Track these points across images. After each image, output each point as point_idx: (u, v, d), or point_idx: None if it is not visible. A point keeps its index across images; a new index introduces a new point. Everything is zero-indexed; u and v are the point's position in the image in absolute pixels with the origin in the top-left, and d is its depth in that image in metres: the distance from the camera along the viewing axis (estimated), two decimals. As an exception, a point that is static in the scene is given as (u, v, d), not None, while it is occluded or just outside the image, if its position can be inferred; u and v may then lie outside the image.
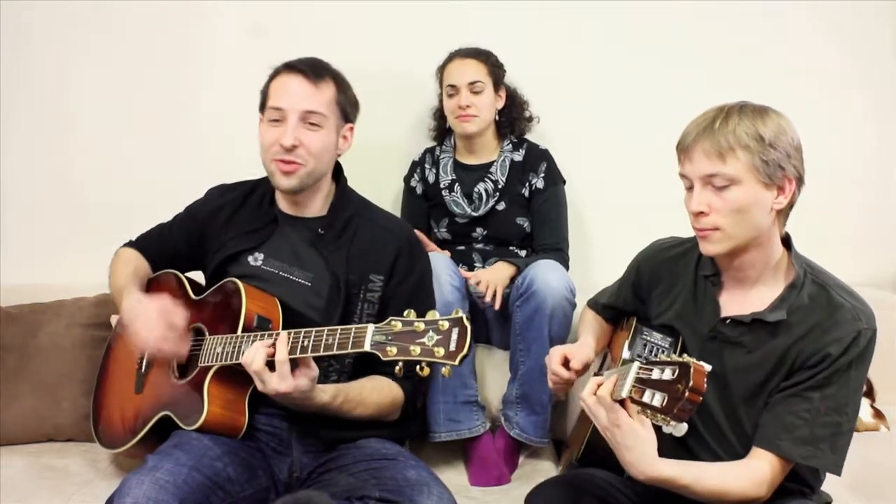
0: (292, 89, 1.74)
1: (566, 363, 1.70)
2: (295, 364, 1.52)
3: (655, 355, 1.57)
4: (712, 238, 1.45)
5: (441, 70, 2.38)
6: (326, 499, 1.50)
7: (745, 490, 1.40)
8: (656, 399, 1.23)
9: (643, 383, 1.27)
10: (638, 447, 1.33)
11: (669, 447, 1.47)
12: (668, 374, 1.23)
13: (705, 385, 1.20)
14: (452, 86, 2.32)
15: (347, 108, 1.81)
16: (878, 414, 2.29)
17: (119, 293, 1.83)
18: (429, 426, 2.10)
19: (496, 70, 2.36)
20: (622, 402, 1.33)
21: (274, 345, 1.52)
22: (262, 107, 1.79)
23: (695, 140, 1.42)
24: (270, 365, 1.52)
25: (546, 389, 2.10)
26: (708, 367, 1.22)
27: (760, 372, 1.46)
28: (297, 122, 1.72)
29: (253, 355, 1.52)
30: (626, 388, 1.29)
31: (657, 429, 1.36)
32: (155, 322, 1.66)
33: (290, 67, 1.77)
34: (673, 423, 1.23)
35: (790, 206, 1.45)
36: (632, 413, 1.33)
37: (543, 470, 2.11)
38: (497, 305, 2.15)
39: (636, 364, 1.30)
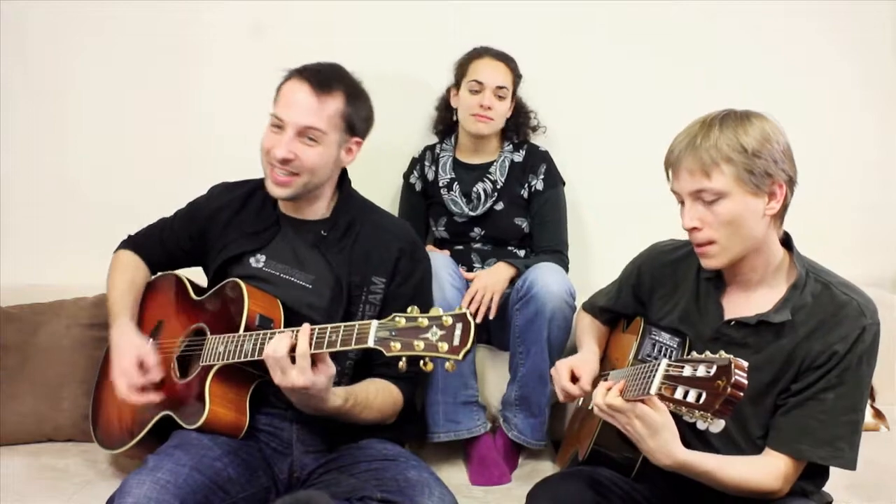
0: (295, 100, 1.72)
1: (573, 377, 1.70)
2: (313, 361, 1.51)
3: (666, 356, 1.58)
4: (709, 252, 1.46)
5: (466, 63, 2.34)
6: (327, 499, 1.50)
7: (764, 483, 1.42)
8: (691, 395, 1.25)
9: (674, 380, 1.28)
10: (660, 432, 1.35)
11: None
12: (702, 372, 1.24)
13: (747, 381, 1.21)
14: (479, 82, 2.29)
15: (355, 121, 1.78)
16: (878, 414, 2.29)
17: (112, 311, 1.85)
18: (428, 426, 2.10)
19: (517, 80, 2.36)
20: (644, 401, 1.34)
21: (296, 337, 1.50)
22: (273, 103, 1.78)
23: (678, 157, 1.43)
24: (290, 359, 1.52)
25: (545, 392, 2.10)
26: (745, 364, 1.23)
27: (767, 372, 1.47)
28: (294, 136, 1.71)
29: (276, 345, 1.50)
30: (655, 386, 1.30)
31: (684, 427, 1.37)
32: (130, 370, 1.70)
33: (301, 74, 1.74)
34: (711, 419, 1.24)
35: (784, 208, 1.46)
36: (650, 405, 1.34)
37: (544, 470, 2.10)
38: (492, 314, 2.15)
39: (664, 361, 1.31)
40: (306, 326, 1.51)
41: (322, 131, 1.72)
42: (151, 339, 1.84)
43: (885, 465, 2.03)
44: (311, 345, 1.49)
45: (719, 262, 1.47)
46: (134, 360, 1.71)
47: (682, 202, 1.48)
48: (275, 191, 1.76)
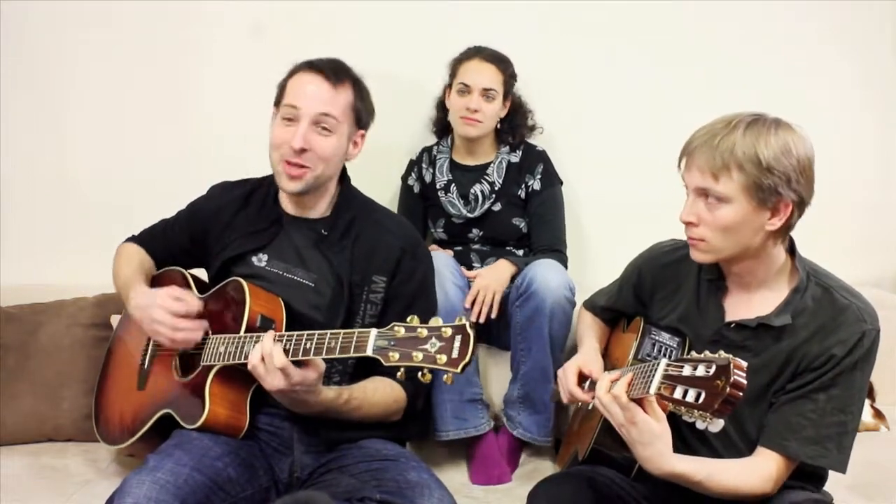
0: (310, 90, 1.72)
1: (582, 377, 1.70)
2: (301, 365, 1.51)
3: (665, 355, 1.58)
4: (699, 247, 1.47)
5: (457, 64, 2.35)
6: (327, 499, 1.50)
7: (754, 487, 1.42)
8: (690, 395, 1.25)
9: (674, 380, 1.28)
10: (654, 443, 1.35)
11: (674, 445, 1.48)
12: (702, 371, 1.24)
13: (746, 381, 1.21)
14: (466, 85, 2.29)
15: (363, 114, 1.79)
16: (878, 414, 2.29)
17: (125, 287, 1.83)
18: (435, 424, 2.10)
19: (510, 80, 2.34)
20: (640, 401, 1.34)
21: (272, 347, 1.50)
22: (278, 102, 1.78)
23: (695, 151, 1.42)
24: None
25: (548, 389, 2.10)
26: (745, 364, 1.22)
27: (765, 374, 1.47)
28: (309, 125, 1.71)
29: (259, 356, 1.50)
30: (655, 385, 1.29)
31: (683, 426, 1.37)
32: (167, 310, 1.67)
33: (311, 66, 1.75)
34: (711, 418, 1.24)
35: (788, 227, 1.44)
36: (649, 410, 1.34)
37: (545, 469, 2.11)
38: (494, 314, 2.15)
39: (664, 361, 1.31)
40: (270, 334, 1.52)
41: (337, 119, 1.73)
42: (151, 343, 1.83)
43: (885, 465, 2.03)
44: (293, 353, 1.49)
45: (707, 258, 1.48)
46: (165, 300, 1.68)
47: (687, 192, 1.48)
48: (288, 185, 1.75)
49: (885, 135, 2.62)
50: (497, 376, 2.25)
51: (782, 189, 1.38)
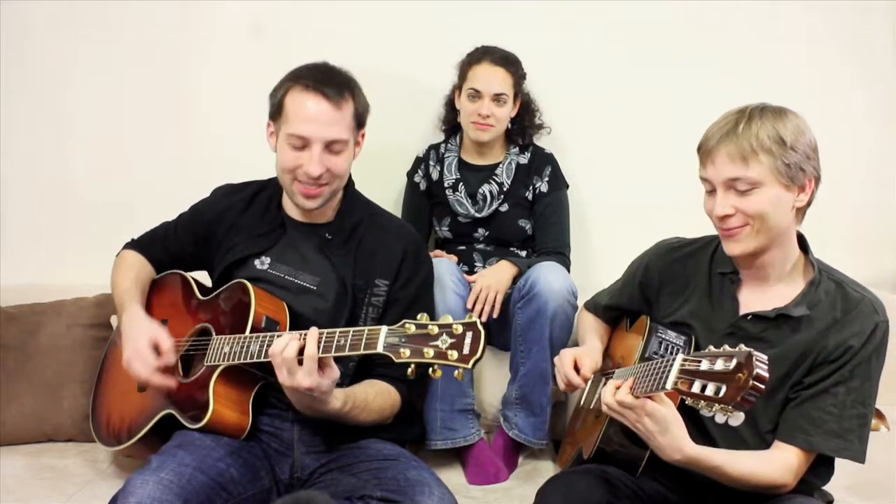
0: (314, 115, 1.68)
1: (575, 367, 1.71)
2: (319, 364, 1.50)
3: (672, 353, 1.58)
4: (740, 236, 1.47)
5: (466, 67, 2.33)
6: (326, 498, 1.51)
7: (773, 477, 1.43)
8: (710, 389, 1.25)
9: (691, 374, 1.28)
10: (669, 429, 1.37)
11: None
12: (721, 365, 1.25)
13: (768, 374, 1.21)
14: (477, 90, 2.28)
15: (362, 115, 1.78)
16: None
17: (120, 304, 1.83)
18: (426, 434, 2.10)
19: (520, 81, 2.34)
20: (653, 397, 1.35)
21: (305, 339, 1.49)
22: (275, 115, 1.75)
23: (717, 143, 1.44)
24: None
25: (545, 391, 2.10)
26: (765, 356, 1.23)
27: (781, 367, 1.48)
28: (321, 150, 1.69)
29: (285, 344, 1.49)
30: (671, 380, 1.30)
31: (687, 422, 1.39)
32: (145, 353, 1.67)
33: (309, 87, 1.69)
34: (732, 411, 1.25)
35: (808, 204, 1.49)
36: (657, 400, 1.36)
37: (544, 469, 2.11)
38: (496, 313, 2.15)
39: (680, 356, 1.32)
40: (315, 330, 1.51)
41: (346, 140, 1.72)
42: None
43: (885, 465, 2.03)
44: (319, 348, 1.49)
45: (746, 246, 1.48)
46: (147, 342, 1.68)
47: (710, 191, 1.49)
48: (306, 204, 1.74)
49: (885, 135, 2.62)
50: (495, 378, 2.24)
51: (805, 165, 1.43)
